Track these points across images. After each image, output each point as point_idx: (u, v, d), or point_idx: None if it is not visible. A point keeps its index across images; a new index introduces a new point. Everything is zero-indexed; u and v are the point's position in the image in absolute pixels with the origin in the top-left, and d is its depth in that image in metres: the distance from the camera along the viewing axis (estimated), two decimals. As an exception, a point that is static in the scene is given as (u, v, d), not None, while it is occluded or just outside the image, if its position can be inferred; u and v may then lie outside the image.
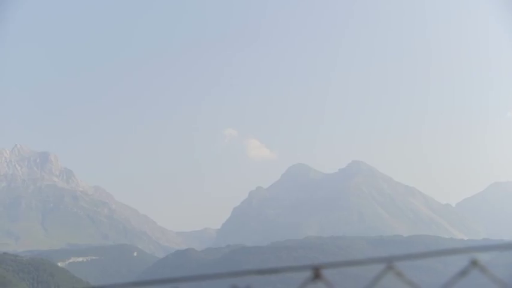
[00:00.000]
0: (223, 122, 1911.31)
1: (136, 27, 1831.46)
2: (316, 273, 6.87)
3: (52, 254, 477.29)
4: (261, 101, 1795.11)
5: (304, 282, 6.74)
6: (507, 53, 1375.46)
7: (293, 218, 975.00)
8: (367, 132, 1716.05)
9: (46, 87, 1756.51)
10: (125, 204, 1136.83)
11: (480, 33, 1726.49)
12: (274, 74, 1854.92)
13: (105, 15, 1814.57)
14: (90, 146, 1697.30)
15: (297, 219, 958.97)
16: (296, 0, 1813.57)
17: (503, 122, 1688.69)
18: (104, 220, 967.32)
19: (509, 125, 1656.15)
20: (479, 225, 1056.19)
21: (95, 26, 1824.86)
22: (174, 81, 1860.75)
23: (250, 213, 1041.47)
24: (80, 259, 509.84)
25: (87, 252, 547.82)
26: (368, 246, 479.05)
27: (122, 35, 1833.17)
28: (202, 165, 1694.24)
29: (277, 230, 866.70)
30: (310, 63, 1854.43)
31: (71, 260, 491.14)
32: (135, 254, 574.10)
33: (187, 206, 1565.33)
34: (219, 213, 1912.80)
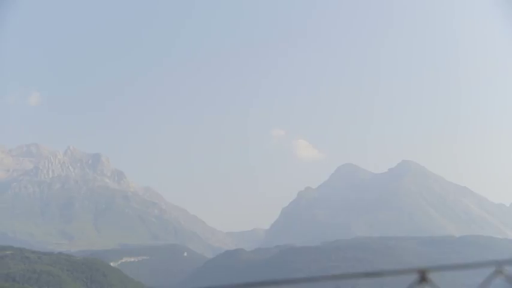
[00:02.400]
0: (271, 123, 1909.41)
1: (188, 28, 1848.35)
2: (423, 276, 6.70)
3: (104, 254, 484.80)
4: (308, 101, 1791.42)
5: (411, 285, 6.82)
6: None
7: (342, 218, 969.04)
8: (418, 131, 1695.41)
9: (97, 89, 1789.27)
10: (175, 205, 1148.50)
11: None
12: (322, 74, 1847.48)
13: (163, 16, 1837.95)
14: (140, 147, 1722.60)
15: (346, 220, 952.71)
16: (341, 2, 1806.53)
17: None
18: (154, 220, 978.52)
19: None
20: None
21: (148, 27, 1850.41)
22: (224, 83, 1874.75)
23: (299, 213, 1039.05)
24: (132, 259, 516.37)
25: (139, 252, 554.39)
26: (419, 247, 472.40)
27: (174, 36, 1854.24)
28: (250, 165, 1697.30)
29: (326, 231, 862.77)
30: (358, 63, 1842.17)
31: (123, 260, 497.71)
32: (185, 254, 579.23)
33: (236, 206, 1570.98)
34: (268, 213, 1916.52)
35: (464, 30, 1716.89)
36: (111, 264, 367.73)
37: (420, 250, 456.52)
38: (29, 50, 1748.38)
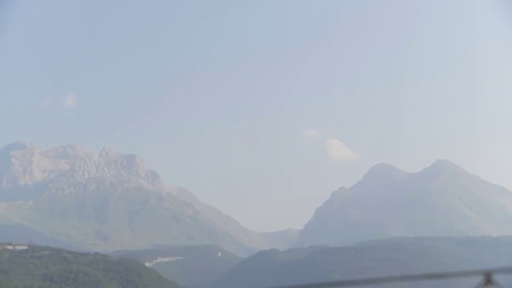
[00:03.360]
0: (304, 123, 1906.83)
1: (224, 30, 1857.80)
2: (488, 278, 6.57)
3: (139, 254, 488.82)
4: (342, 101, 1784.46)
5: (477, 287, 6.84)
6: None
7: (376, 218, 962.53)
8: (453, 130, 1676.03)
9: (131, 91, 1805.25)
10: (209, 205, 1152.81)
11: None
12: (355, 74, 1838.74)
13: (201, 17, 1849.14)
14: (174, 148, 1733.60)
15: (380, 220, 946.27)
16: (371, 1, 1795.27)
17: None
18: (189, 221, 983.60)
19: None
20: None
21: (186, 28, 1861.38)
22: (258, 84, 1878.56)
23: (333, 213, 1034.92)
24: (166, 259, 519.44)
25: (173, 252, 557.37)
26: (455, 247, 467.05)
27: (211, 37, 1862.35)
28: (283, 165, 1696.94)
29: (360, 231, 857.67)
30: (390, 62, 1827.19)
31: (157, 260, 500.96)
32: (219, 254, 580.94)
33: (270, 206, 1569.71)
34: (301, 213, 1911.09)
35: (492, 25, 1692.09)
36: (146, 264, 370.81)
37: (456, 250, 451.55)
38: (64, 53, 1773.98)
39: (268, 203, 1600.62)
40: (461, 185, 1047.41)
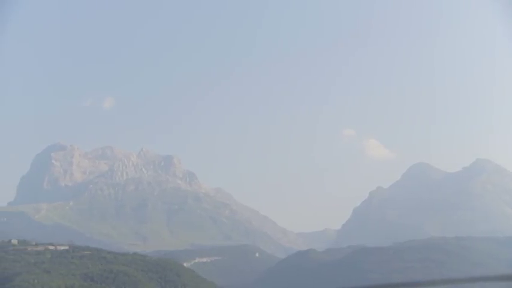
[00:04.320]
0: (341, 123, 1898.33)
1: (263, 30, 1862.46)
2: None
3: (178, 254, 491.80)
4: (378, 101, 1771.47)
5: None
6: None
7: (415, 218, 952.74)
8: (493, 129, 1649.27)
9: (169, 91, 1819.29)
10: (246, 205, 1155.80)
11: None
12: (393, 73, 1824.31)
13: (241, 17, 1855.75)
14: (211, 148, 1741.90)
15: (419, 220, 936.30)
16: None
17: None
18: (226, 221, 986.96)
19: None
20: None
21: (226, 27, 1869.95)
22: (295, 83, 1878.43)
23: (371, 213, 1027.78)
24: (204, 259, 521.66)
25: (211, 252, 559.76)
26: (496, 247, 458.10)
27: (250, 37, 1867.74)
28: (321, 165, 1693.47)
29: (399, 231, 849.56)
30: (428, 61, 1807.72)
31: (195, 261, 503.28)
32: (257, 254, 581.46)
33: (307, 206, 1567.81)
34: (339, 213, 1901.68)
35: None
36: (184, 264, 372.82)
37: (497, 251, 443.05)
38: (102, 55, 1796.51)
39: (306, 203, 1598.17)
40: (503, 184, 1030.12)
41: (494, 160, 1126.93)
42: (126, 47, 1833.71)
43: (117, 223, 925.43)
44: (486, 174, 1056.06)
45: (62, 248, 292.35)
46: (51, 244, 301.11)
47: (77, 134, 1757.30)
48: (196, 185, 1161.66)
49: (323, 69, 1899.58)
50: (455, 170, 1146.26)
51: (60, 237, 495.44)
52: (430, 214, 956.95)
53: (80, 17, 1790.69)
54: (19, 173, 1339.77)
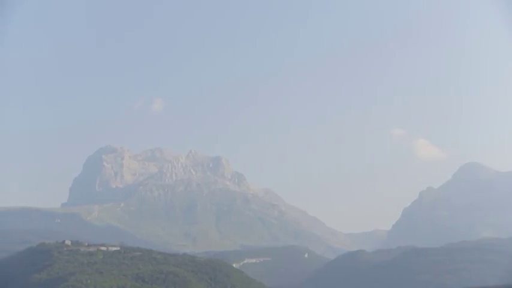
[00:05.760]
0: (390, 122, 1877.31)
1: (307, 29, 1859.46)
2: None
3: (227, 255, 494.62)
4: (428, 100, 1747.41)
5: None
6: None
7: (466, 218, 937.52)
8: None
9: (217, 93, 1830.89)
10: (294, 206, 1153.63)
11: None
12: (441, 71, 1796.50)
13: (286, 17, 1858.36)
14: (259, 149, 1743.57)
15: (471, 220, 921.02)
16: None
17: None
18: (275, 222, 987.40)
19: None
20: None
21: (271, 27, 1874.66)
22: (343, 83, 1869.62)
23: (421, 214, 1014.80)
24: (253, 260, 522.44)
25: (260, 253, 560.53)
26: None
27: (295, 36, 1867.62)
28: (369, 165, 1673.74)
29: (450, 232, 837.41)
30: (477, 59, 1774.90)
31: (245, 261, 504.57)
32: (306, 255, 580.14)
33: (356, 207, 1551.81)
34: (388, 214, 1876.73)
35: None
36: (234, 265, 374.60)
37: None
38: (152, 57, 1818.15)
39: (355, 203, 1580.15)
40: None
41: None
42: (175, 48, 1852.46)
43: (166, 224, 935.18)
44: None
45: (114, 248, 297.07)
46: (103, 245, 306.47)
47: (127, 136, 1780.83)
48: (244, 186, 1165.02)
49: (370, 69, 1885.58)
50: (507, 169, 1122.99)
51: (111, 238, 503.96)
52: (482, 214, 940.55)
53: (129, 19, 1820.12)
54: (72, 175, 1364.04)
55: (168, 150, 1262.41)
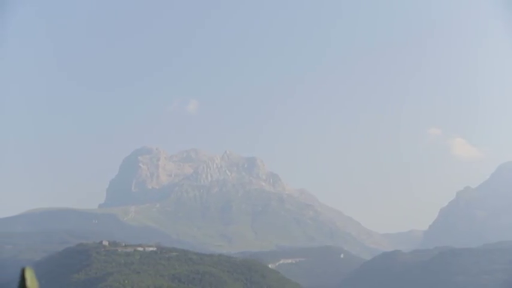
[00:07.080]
0: (426, 122, 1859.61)
1: (340, 29, 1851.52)
2: None
3: (262, 255, 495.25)
4: (464, 99, 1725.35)
5: None
6: None
7: (505, 219, 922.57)
8: None
9: (251, 94, 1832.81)
10: (330, 206, 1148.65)
11: None
12: (477, 70, 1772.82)
13: (318, 18, 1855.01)
14: (294, 149, 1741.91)
15: (509, 221, 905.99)
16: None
17: None
18: (310, 222, 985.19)
19: None
20: None
21: (303, 28, 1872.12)
22: (379, 82, 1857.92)
23: (459, 214, 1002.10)
24: (289, 261, 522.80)
25: (295, 254, 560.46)
26: None
27: (327, 37, 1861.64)
28: (406, 165, 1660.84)
29: (488, 232, 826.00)
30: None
31: (280, 262, 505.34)
32: (341, 255, 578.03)
33: (392, 207, 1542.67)
34: (425, 214, 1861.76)
35: None
36: (269, 265, 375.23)
37: None
38: (187, 59, 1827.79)
39: (391, 203, 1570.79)
40: None
41: None
42: (210, 50, 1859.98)
43: (202, 224, 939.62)
44: None
45: (150, 249, 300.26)
46: (140, 245, 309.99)
47: (163, 137, 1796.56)
48: (279, 187, 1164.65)
49: (405, 68, 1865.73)
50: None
51: (147, 238, 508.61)
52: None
53: (166, 20, 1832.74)
54: (108, 176, 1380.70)
55: (203, 151, 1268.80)
